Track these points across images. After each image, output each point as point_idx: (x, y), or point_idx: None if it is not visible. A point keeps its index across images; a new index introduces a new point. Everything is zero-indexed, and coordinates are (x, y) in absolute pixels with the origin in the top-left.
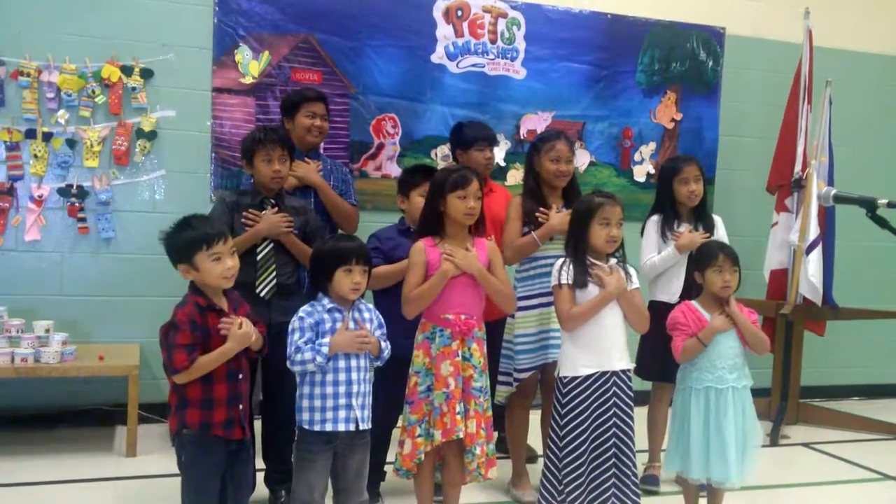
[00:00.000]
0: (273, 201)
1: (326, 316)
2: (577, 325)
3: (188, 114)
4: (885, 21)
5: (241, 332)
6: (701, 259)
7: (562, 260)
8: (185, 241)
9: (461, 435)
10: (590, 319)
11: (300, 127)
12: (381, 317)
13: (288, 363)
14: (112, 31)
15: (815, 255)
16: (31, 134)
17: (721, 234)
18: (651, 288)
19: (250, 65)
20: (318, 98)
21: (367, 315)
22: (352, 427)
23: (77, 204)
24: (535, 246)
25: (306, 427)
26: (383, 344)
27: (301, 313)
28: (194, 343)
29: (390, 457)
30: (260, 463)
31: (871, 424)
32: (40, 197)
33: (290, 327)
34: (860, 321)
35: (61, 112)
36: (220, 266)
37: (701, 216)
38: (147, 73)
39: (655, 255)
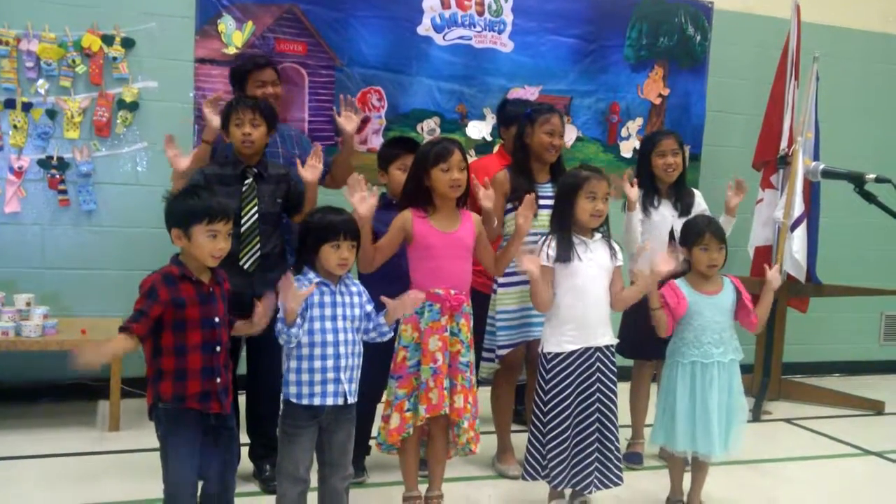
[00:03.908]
0: (256, 169)
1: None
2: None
3: (170, 84)
4: None
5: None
6: (688, 236)
7: (544, 238)
8: (188, 208)
9: (447, 410)
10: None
11: None
12: (366, 292)
13: (277, 336)
14: None
15: (800, 232)
16: (10, 104)
17: (703, 208)
18: (633, 264)
19: (233, 35)
20: (266, 64)
21: (354, 289)
22: (340, 401)
23: (58, 176)
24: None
25: (293, 401)
26: (381, 320)
27: None
28: (144, 310)
29: (374, 431)
30: (244, 437)
31: (852, 400)
32: (20, 168)
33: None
34: (843, 298)
35: (41, 82)
36: (213, 244)
37: (680, 192)
38: (128, 43)
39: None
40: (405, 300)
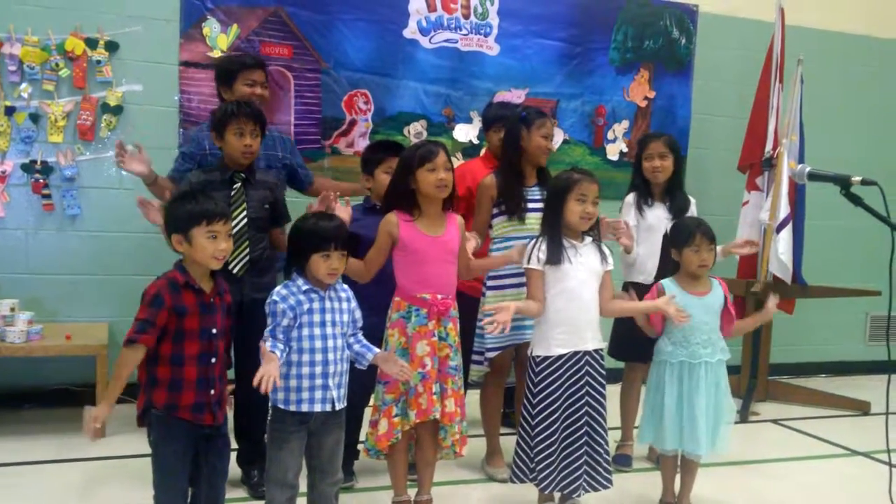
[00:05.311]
0: (244, 175)
1: (303, 297)
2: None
3: (155, 88)
4: (856, 0)
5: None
6: (678, 237)
7: (534, 241)
8: (186, 212)
9: (437, 415)
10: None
11: (239, 97)
12: (354, 297)
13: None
14: (76, 1)
15: (786, 234)
16: None
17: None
18: (626, 269)
19: (218, 38)
20: (257, 64)
21: (343, 294)
22: (328, 407)
23: (41, 180)
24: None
25: (281, 406)
26: (368, 355)
27: (275, 296)
28: (150, 319)
29: (362, 436)
30: (232, 442)
31: (839, 401)
32: (3, 173)
33: (266, 309)
34: (828, 299)
35: (24, 86)
36: (214, 245)
37: (673, 196)
38: (112, 46)
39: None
40: (396, 363)
